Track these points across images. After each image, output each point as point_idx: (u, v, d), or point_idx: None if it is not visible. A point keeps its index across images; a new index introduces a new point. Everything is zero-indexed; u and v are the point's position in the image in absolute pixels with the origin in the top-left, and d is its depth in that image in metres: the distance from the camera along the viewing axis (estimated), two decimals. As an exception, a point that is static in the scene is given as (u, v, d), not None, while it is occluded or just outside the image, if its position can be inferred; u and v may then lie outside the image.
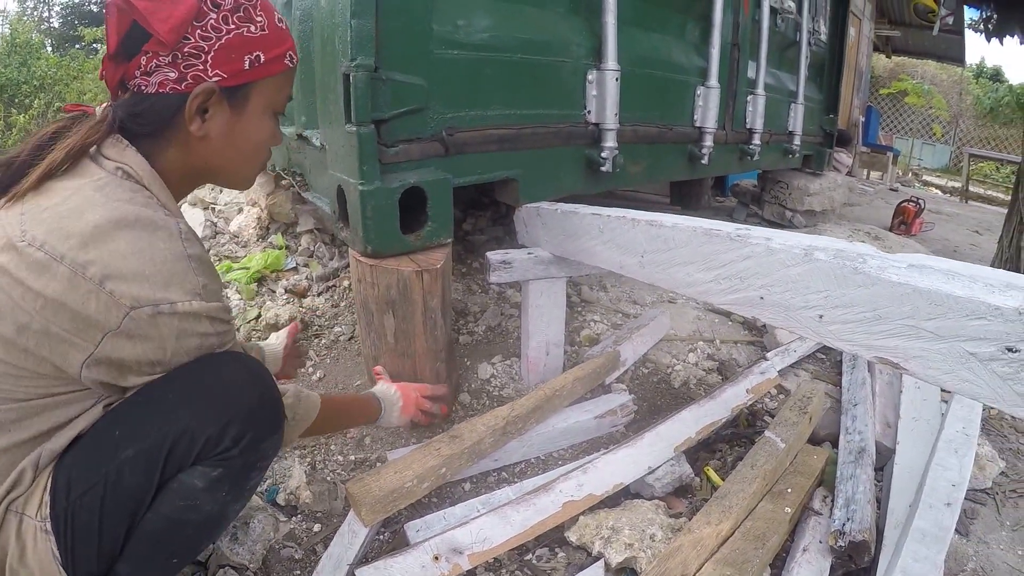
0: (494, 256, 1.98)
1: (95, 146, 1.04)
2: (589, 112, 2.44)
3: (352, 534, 1.54)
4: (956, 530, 1.74)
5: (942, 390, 2.23)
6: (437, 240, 1.88)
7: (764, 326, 2.84)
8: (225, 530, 1.29)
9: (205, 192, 4.55)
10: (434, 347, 1.89)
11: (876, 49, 11.64)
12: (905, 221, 5.97)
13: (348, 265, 3.22)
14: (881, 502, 1.73)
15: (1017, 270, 4.11)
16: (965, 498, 1.88)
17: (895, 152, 11.45)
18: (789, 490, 1.67)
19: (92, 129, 1.04)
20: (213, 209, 4.19)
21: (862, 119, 10.35)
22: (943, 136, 14.51)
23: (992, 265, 4.44)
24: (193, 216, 4.01)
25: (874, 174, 11.21)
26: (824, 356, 2.71)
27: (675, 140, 3.02)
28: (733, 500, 1.58)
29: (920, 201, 6.12)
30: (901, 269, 1.06)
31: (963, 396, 0.98)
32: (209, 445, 1.03)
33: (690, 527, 1.51)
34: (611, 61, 2.38)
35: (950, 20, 7.91)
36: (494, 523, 1.53)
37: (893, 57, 13.07)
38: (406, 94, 1.78)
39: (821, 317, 1.16)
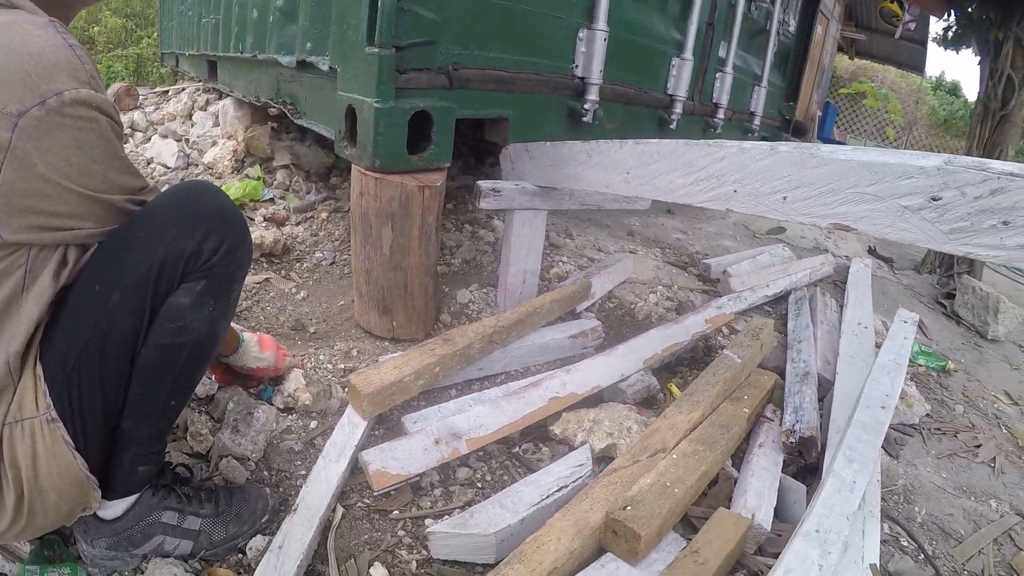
0: (485, 184, 2.14)
1: None
2: (576, 66, 2.62)
3: (352, 426, 1.67)
4: (888, 452, 2.05)
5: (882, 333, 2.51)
6: (437, 163, 2.03)
7: (718, 280, 3.09)
8: (213, 357, 1.31)
9: (177, 125, 4.58)
10: (426, 262, 2.05)
11: (840, 50, 12.02)
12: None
13: (325, 199, 3.36)
14: (822, 423, 1.97)
15: (951, 259, 4.46)
16: (895, 430, 2.22)
17: (847, 148, 11.83)
18: (746, 397, 1.93)
19: None
20: (187, 141, 4.23)
21: (819, 114, 10.74)
22: (895, 140, 15.05)
23: (925, 257, 4.79)
24: (166, 147, 4.05)
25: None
26: (771, 309, 2.98)
27: (648, 103, 3.23)
28: (700, 396, 1.83)
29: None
30: (847, 151, 1.32)
31: (902, 242, 1.24)
32: (191, 262, 1.08)
33: (665, 414, 1.75)
34: (601, 22, 2.57)
35: (912, 26, 8.29)
36: (489, 412, 1.71)
37: (856, 59, 13.48)
38: (422, 26, 1.93)
39: (785, 198, 1.40)
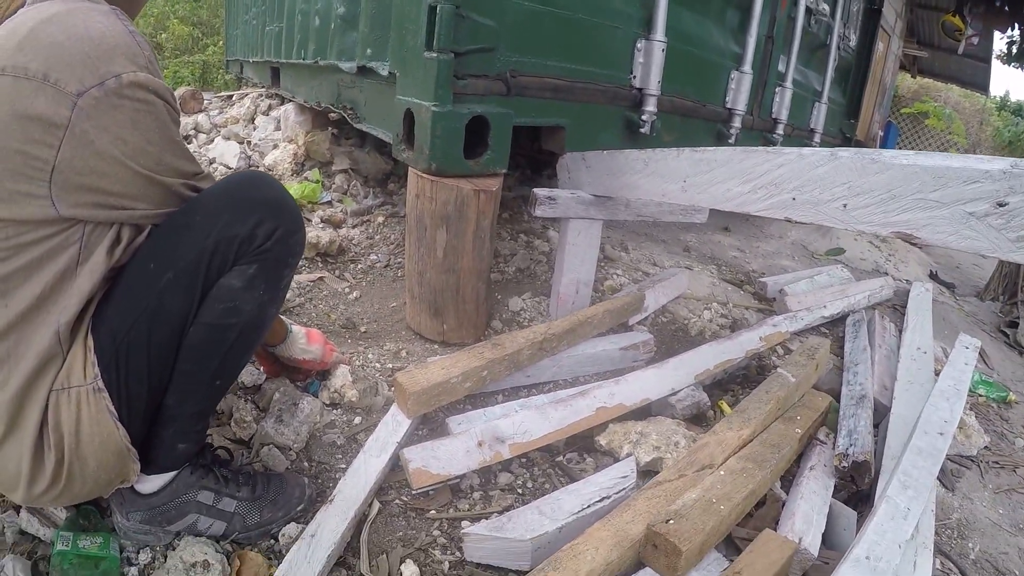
0: (541, 192, 2.15)
1: None
2: (634, 77, 2.61)
3: (396, 423, 1.67)
4: (943, 484, 1.96)
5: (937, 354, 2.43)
6: (493, 168, 2.04)
7: (774, 299, 3.03)
8: (261, 341, 1.31)
9: (240, 128, 4.70)
10: (479, 266, 2.05)
11: (903, 67, 11.70)
12: (911, 233, 6.13)
13: (383, 203, 3.41)
14: (877, 449, 1.90)
15: (1015, 286, 4.30)
16: (952, 461, 2.12)
17: (907, 171, 11.55)
18: (798, 417, 1.87)
19: None
20: (249, 143, 4.34)
21: (881, 133, 10.49)
22: (959, 162, 14.54)
23: (988, 283, 4.63)
24: (228, 149, 4.16)
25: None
26: (827, 330, 2.90)
27: (707, 117, 3.19)
28: (751, 414, 1.78)
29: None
30: (909, 155, 1.27)
31: (967, 251, 1.18)
32: (244, 245, 1.11)
33: (714, 430, 1.71)
34: (660, 33, 2.55)
35: (975, 41, 8.05)
36: (534, 418, 1.69)
37: (919, 78, 13.12)
38: (480, 33, 1.95)
39: (845, 206, 1.36)
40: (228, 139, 4.32)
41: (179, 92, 5.52)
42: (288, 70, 4.05)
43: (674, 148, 1.79)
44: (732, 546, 1.47)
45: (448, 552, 1.41)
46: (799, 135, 4.41)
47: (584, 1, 2.29)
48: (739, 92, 3.29)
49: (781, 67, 3.80)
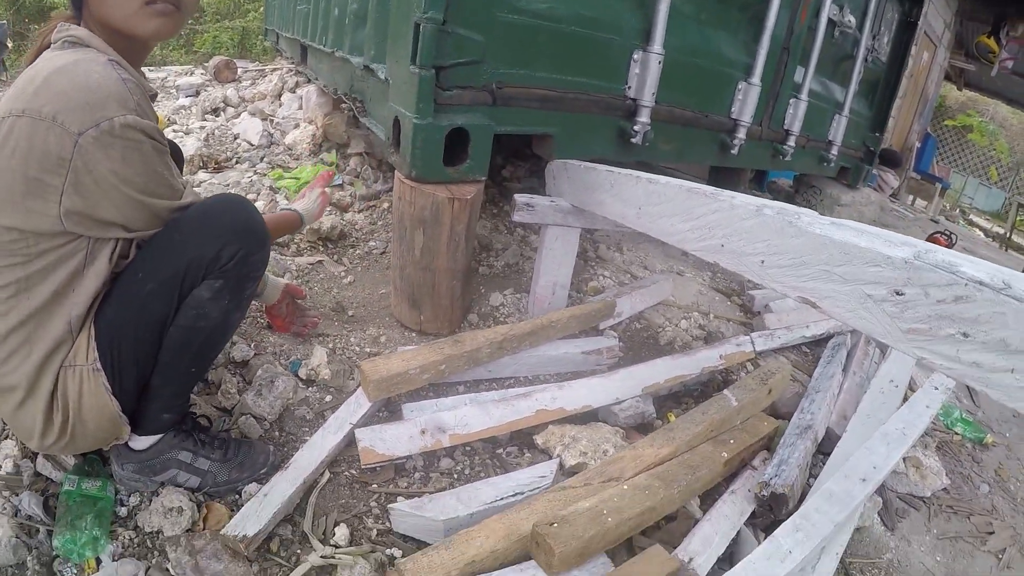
0: (520, 198, 2.25)
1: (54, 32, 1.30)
2: (629, 87, 2.66)
3: (358, 405, 1.87)
4: (883, 522, 1.98)
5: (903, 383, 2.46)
6: (472, 176, 2.15)
7: (759, 313, 3.08)
8: (228, 339, 1.56)
9: (266, 104, 4.85)
10: (452, 266, 2.18)
11: (948, 79, 11.44)
12: (933, 248, 6.07)
13: (391, 188, 3.53)
14: (812, 481, 1.94)
15: None
16: (901, 499, 2.11)
17: (945, 185, 11.37)
18: (731, 441, 1.93)
19: (50, 24, 1.33)
20: (271, 121, 4.49)
21: (918, 145, 10.31)
22: (999, 180, 14.12)
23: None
24: (252, 125, 4.32)
25: (920, 202, 11.16)
26: (809, 351, 2.94)
27: (709, 127, 3.23)
28: (677, 433, 1.87)
29: (952, 235, 6.21)
30: (825, 225, 1.33)
31: (862, 332, 1.21)
32: (212, 264, 1.33)
33: (635, 445, 1.81)
34: (657, 45, 2.59)
35: (1009, 64, 7.83)
36: (476, 413, 1.84)
37: (965, 91, 12.78)
38: (466, 47, 2.04)
39: (763, 263, 1.44)
40: (253, 115, 4.49)
41: (214, 61, 5.70)
42: (313, 51, 4.14)
43: (636, 173, 1.88)
44: (632, 553, 1.58)
45: (379, 522, 1.60)
46: (815, 146, 4.40)
47: (578, 15, 2.35)
48: (746, 103, 3.31)
49: (798, 78, 3.78)
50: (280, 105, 4.74)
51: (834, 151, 4.55)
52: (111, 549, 1.42)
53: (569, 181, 2.32)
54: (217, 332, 1.44)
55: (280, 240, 2.85)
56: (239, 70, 5.84)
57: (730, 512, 1.72)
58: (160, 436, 1.51)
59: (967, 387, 2.98)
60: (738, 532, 1.69)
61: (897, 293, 1.16)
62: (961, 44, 10.26)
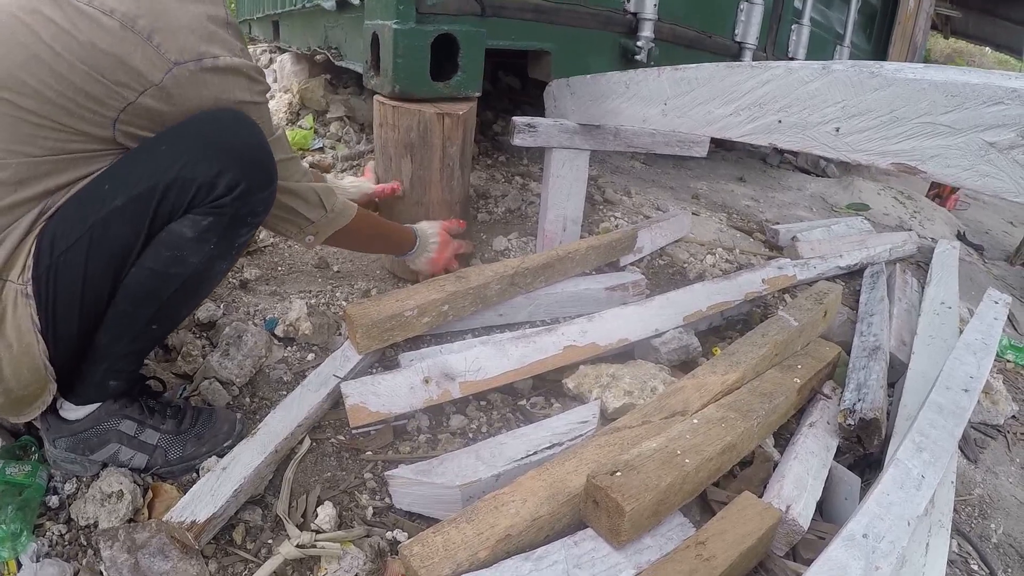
0: (520, 119, 1.98)
1: None
2: (629, 2, 2.42)
3: (345, 358, 1.55)
4: (965, 454, 1.74)
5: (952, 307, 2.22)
6: (465, 91, 1.89)
7: (783, 248, 2.84)
8: (207, 295, 1.29)
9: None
10: (448, 198, 1.91)
11: (935, 27, 11.26)
12: (940, 194, 5.86)
13: (372, 149, 3.28)
14: (891, 409, 1.68)
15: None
16: (975, 428, 1.89)
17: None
18: (799, 366, 1.63)
19: None
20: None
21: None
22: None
23: (1019, 247, 4.37)
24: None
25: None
26: (843, 283, 2.69)
27: (713, 49, 2.99)
28: (741, 357, 1.56)
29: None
30: (918, 69, 1.04)
31: (984, 192, 0.95)
32: (202, 192, 1.04)
33: (694, 373, 1.50)
34: (659, -47, 2.36)
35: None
36: (491, 354, 1.52)
37: (951, 39, 12.64)
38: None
39: (838, 130, 1.15)
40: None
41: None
42: (286, 21, 3.99)
43: (656, 68, 1.60)
44: (708, 511, 1.28)
45: (376, 497, 1.29)
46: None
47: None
48: (749, 24, 3.08)
49: (798, 3, 3.57)
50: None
51: (838, 85, 4.32)
52: (34, 548, 1.11)
53: (573, 97, 2.05)
54: (193, 283, 1.13)
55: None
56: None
57: (815, 448, 1.42)
58: (99, 404, 1.21)
59: (1009, 315, 2.77)
60: (829, 471, 1.40)
61: (1030, 134, 0.88)
62: (945, -11, 10.06)
